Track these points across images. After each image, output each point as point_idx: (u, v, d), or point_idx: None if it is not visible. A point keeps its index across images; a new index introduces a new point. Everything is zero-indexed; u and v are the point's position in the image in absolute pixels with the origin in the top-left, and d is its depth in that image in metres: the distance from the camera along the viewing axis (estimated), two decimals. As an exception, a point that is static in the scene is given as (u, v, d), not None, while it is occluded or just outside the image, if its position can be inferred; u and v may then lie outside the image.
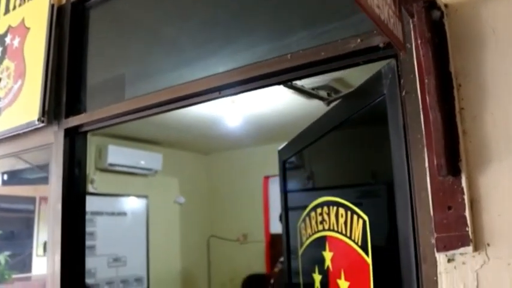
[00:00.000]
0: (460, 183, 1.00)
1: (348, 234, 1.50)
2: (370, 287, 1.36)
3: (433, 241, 1.02)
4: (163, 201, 6.11)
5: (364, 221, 1.39)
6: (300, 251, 1.98)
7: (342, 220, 1.54)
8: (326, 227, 1.68)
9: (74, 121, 1.80)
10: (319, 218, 1.74)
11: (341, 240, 1.55)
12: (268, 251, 6.30)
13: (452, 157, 1.00)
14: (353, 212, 1.46)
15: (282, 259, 3.19)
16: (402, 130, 1.15)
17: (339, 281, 1.56)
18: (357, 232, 1.43)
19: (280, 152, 2.25)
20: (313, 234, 1.82)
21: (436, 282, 1.02)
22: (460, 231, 0.98)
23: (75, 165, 1.82)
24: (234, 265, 6.33)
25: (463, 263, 0.99)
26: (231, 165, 6.58)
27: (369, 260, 1.37)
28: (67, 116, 1.83)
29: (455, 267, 1.00)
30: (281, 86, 4.10)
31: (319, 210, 1.74)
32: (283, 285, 3.01)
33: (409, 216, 1.11)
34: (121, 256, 5.58)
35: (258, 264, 6.29)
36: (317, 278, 1.77)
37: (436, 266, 1.02)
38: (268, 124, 5.22)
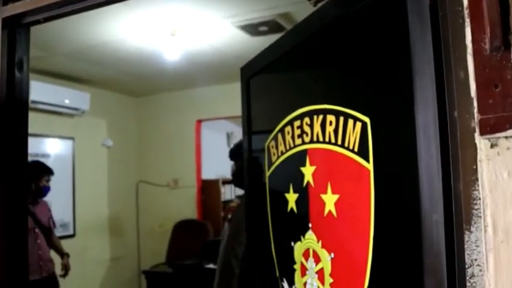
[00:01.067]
0: (510, 58, 0.86)
1: (339, 142, 1.35)
2: (369, 195, 1.23)
3: (474, 125, 0.89)
4: (91, 143, 5.75)
5: (364, 124, 1.24)
6: (268, 173, 1.82)
7: (330, 128, 1.39)
8: (307, 139, 1.52)
9: (14, 9, 1.47)
10: (297, 132, 1.58)
11: (328, 151, 1.40)
12: (199, 197, 6.16)
13: (504, 29, 0.86)
14: (348, 116, 1.31)
15: (239, 194, 3.03)
16: (428, 9, 1.00)
17: (323, 196, 1.43)
18: (353, 137, 1.29)
19: (243, 70, 2.04)
20: (287, 151, 1.66)
21: (475, 171, 0.89)
22: (508, 111, 0.85)
23: (16, 66, 1.52)
24: (163, 211, 6.15)
25: (508, 149, 0.86)
26: (163, 108, 6.29)
27: (370, 166, 1.23)
28: (5, 2, 1.50)
29: (498, 153, 0.87)
30: (226, 19, 3.85)
31: (297, 123, 1.58)
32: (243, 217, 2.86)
33: (434, 102, 0.97)
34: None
35: (188, 210, 6.15)
36: (291, 197, 1.63)
37: (476, 152, 0.89)
38: (206, 63, 4.97)
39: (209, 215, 6.18)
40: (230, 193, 6.40)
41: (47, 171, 4.15)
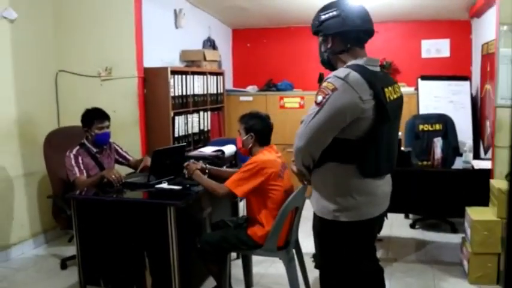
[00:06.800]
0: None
1: None
2: None
3: None
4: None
5: None
6: None
7: None
8: None
9: None
10: None
11: None
12: (141, 90, 4.53)
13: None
14: None
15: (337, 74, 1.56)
16: None
17: None
18: None
19: None
20: None
21: None
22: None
23: None
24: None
25: None
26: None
27: None
28: None
29: None
30: None
31: None
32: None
33: None
34: None
35: (125, 107, 4.54)
36: None
37: None
38: None
39: (153, 113, 4.60)
40: (181, 86, 4.78)
41: (97, 117, 3.55)
